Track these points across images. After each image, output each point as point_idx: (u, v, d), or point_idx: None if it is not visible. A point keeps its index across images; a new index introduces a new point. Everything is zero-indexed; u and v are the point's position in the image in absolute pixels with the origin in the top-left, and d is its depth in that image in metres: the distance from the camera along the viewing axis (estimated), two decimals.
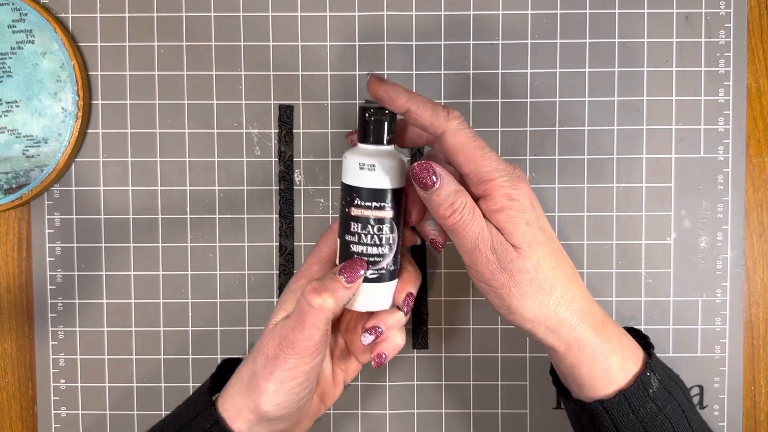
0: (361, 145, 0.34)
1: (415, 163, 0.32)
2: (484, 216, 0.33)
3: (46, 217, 0.44)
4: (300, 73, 0.44)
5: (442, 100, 0.44)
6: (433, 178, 0.32)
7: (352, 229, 0.34)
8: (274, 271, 0.45)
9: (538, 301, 0.33)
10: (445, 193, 0.32)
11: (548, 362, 0.45)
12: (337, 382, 0.38)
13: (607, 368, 0.34)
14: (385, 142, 0.34)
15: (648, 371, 0.34)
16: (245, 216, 0.44)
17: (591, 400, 0.34)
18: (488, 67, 0.44)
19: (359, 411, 0.45)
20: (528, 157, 0.44)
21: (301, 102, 0.44)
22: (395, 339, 0.36)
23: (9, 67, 0.43)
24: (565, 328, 0.33)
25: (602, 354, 0.33)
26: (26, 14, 0.43)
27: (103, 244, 0.44)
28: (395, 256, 0.34)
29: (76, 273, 0.44)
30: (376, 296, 0.34)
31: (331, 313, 0.33)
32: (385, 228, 0.33)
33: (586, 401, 0.34)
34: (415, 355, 0.45)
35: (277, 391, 0.33)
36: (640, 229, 0.44)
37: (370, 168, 0.33)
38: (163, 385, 0.45)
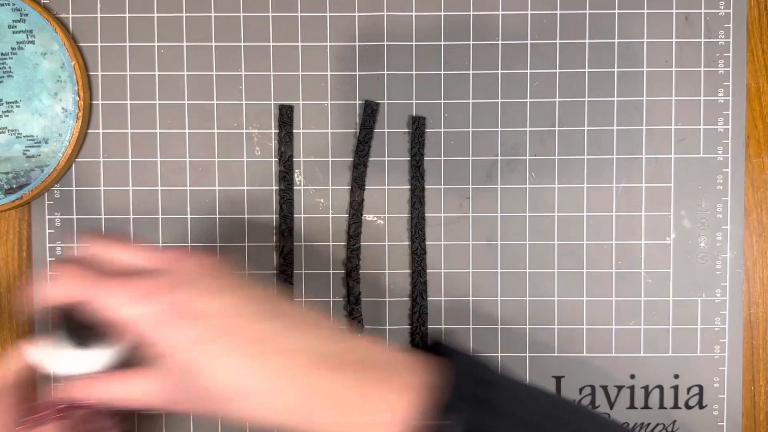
0: None
1: None
2: None
3: (47, 217, 0.44)
4: (300, 73, 0.44)
5: (442, 100, 0.44)
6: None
7: None
8: (274, 271, 0.45)
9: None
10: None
11: (548, 362, 0.46)
12: None
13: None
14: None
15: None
16: (245, 216, 0.45)
17: None
18: (488, 67, 0.44)
19: None
20: (528, 157, 0.44)
21: (301, 102, 0.44)
22: None
23: (9, 67, 0.43)
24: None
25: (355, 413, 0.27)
26: (27, 14, 0.43)
27: None
28: None
29: None
30: None
31: None
32: None
33: None
34: None
35: None
36: (640, 229, 0.44)
37: None
38: None
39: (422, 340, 0.44)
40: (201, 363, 0.27)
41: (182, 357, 0.28)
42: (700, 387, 0.45)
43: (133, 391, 0.29)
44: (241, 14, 0.44)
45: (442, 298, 0.45)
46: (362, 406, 0.27)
